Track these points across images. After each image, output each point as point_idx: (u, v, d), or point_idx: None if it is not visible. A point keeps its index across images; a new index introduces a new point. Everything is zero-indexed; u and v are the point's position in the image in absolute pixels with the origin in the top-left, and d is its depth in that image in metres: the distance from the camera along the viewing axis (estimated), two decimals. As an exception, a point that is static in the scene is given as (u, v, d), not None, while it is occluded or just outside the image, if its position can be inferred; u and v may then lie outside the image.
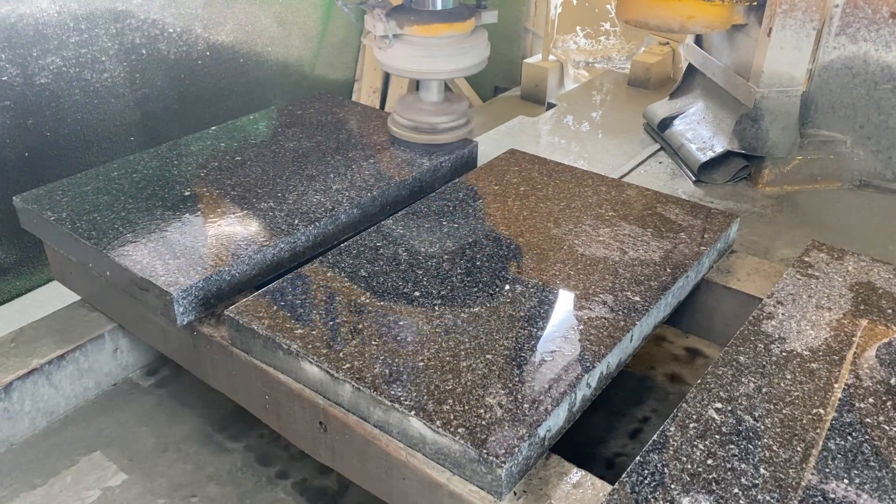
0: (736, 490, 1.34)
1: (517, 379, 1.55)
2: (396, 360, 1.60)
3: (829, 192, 3.07)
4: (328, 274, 1.90)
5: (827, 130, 3.09)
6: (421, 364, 1.59)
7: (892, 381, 1.60)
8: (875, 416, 1.51)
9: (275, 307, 1.77)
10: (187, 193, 2.25)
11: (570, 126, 3.82)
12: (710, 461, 1.40)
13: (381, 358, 1.60)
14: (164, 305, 1.83)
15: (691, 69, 3.66)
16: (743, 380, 1.60)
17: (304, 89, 4.22)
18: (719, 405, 1.53)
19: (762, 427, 1.48)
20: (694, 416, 1.50)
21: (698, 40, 3.58)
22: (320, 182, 2.33)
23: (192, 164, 2.44)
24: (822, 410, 1.52)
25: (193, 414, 2.09)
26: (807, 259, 2.04)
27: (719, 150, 3.10)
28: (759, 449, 1.43)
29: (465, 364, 1.59)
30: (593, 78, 4.69)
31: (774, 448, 1.43)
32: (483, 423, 1.43)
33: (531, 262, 1.96)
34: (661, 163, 3.34)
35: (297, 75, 4.20)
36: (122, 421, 2.07)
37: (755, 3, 2.97)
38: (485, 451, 1.37)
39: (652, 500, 1.33)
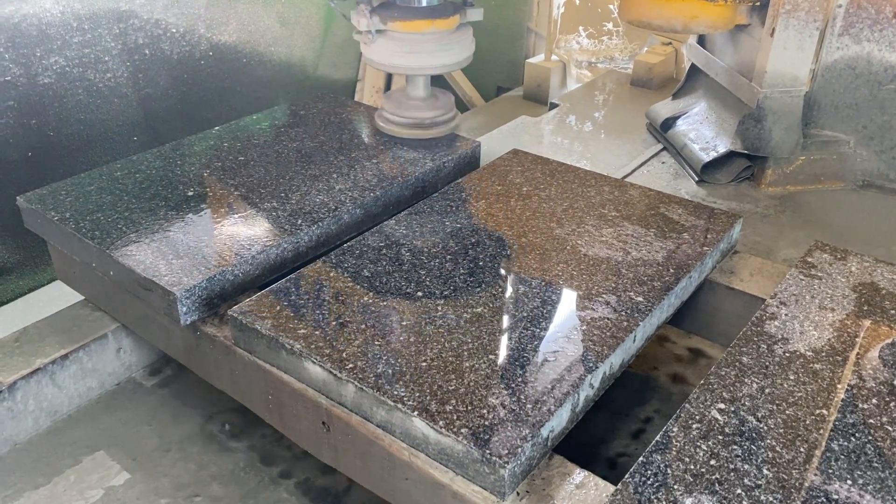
0: (739, 491, 1.34)
1: (520, 379, 1.55)
2: (399, 360, 1.60)
3: (833, 192, 3.07)
4: (331, 274, 1.90)
5: (830, 131, 3.09)
6: (424, 364, 1.59)
7: (896, 382, 1.60)
8: (878, 417, 1.51)
9: (278, 307, 1.77)
10: (190, 193, 2.26)
11: (573, 126, 3.82)
12: (713, 462, 1.40)
13: (384, 358, 1.61)
14: (167, 305, 1.84)
15: (694, 69, 3.66)
16: (746, 380, 1.60)
17: (306, 89, 4.23)
18: (722, 406, 1.53)
19: (765, 428, 1.48)
20: (697, 417, 1.50)
21: (701, 40, 3.58)
22: (323, 182, 2.33)
23: (195, 164, 2.44)
24: (825, 411, 1.52)
25: (196, 414, 2.10)
26: (810, 259, 2.04)
27: (722, 150, 3.09)
28: (762, 449, 1.43)
29: (467, 364, 1.59)
30: (596, 78, 4.69)
31: (777, 449, 1.43)
32: (486, 423, 1.43)
33: (534, 262, 1.96)
34: (663, 163, 3.33)
35: (299, 75, 4.21)
36: (125, 420, 2.07)
37: (758, 4, 2.97)
38: (488, 451, 1.37)
39: (655, 500, 1.33)
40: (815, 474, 1.38)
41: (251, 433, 2.03)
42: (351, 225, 2.22)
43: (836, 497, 1.33)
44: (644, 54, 4.51)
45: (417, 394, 1.50)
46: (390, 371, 1.57)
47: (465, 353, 1.62)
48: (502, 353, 1.62)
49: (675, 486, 1.35)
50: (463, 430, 1.42)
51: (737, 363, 1.65)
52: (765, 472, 1.38)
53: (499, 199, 2.28)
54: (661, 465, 1.40)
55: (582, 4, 6.31)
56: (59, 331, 2.11)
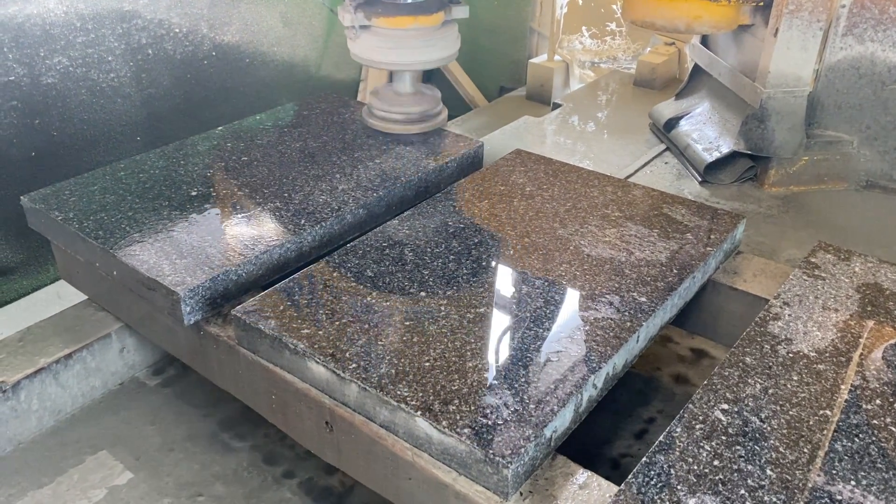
0: (742, 491, 1.34)
1: (523, 379, 1.55)
2: (402, 360, 1.60)
3: (836, 192, 3.06)
4: (334, 274, 1.91)
5: (833, 131, 3.08)
6: (427, 364, 1.59)
7: (900, 383, 1.60)
8: (882, 418, 1.51)
9: (281, 307, 1.77)
10: (194, 193, 2.26)
11: (576, 126, 3.81)
12: (716, 462, 1.40)
13: (388, 358, 1.61)
14: (170, 305, 1.84)
15: (697, 69, 3.65)
16: (749, 381, 1.60)
17: (309, 89, 4.23)
18: (725, 406, 1.53)
19: (769, 428, 1.48)
20: (700, 417, 1.50)
21: (704, 41, 3.58)
22: (326, 182, 2.33)
23: (198, 164, 2.44)
24: (828, 412, 1.52)
25: (199, 413, 2.10)
26: (813, 260, 2.04)
27: (725, 150, 3.09)
28: (766, 450, 1.43)
29: (471, 364, 1.59)
30: (599, 78, 4.69)
31: (781, 449, 1.43)
32: (489, 423, 1.43)
33: (537, 262, 1.96)
34: (666, 163, 3.33)
35: (302, 75, 4.21)
36: (128, 420, 2.08)
37: (761, 4, 2.96)
38: (491, 451, 1.37)
39: (658, 500, 1.32)
40: (819, 475, 1.37)
41: (254, 433, 2.03)
42: (354, 225, 2.22)
43: (839, 498, 1.33)
44: (647, 54, 4.51)
45: (420, 394, 1.50)
46: (393, 371, 1.57)
47: (468, 353, 1.62)
48: (505, 353, 1.62)
49: (679, 487, 1.35)
50: (466, 430, 1.42)
51: (740, 364, 1.65)
52: (768, 472, 1.38)
53: (502, 200, 2.28)
54: (665, 466, 1.40)
55: (585, 4, 6.31)
56: (63, 330, 2.11)
